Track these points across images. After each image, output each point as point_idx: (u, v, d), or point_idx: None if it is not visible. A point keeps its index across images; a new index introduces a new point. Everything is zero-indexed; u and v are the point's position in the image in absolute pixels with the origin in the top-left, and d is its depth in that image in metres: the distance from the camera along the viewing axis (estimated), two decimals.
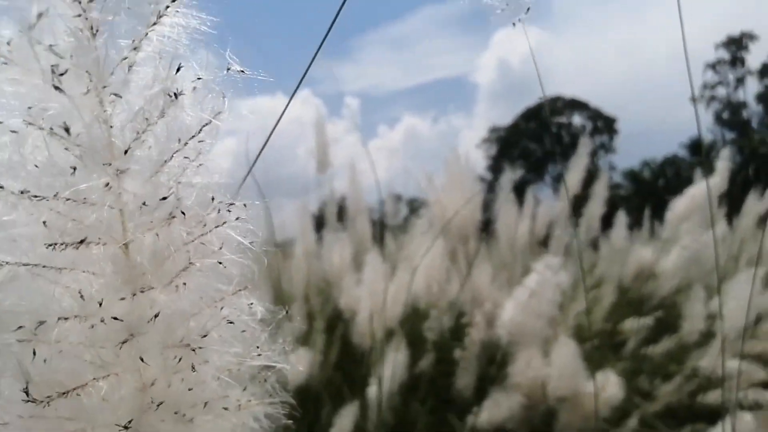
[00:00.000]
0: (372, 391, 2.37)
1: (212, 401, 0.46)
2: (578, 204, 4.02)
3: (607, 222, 4.42)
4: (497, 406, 2.31)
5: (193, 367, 0.44)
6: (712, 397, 2.65)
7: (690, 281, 3.61)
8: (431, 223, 3.44)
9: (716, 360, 2.72)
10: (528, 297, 2.17)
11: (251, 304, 0.47)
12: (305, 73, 0.63)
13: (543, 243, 4.14)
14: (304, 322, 2.91)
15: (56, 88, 0.39)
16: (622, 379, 2.39)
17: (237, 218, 0.45)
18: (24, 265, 0.40)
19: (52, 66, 0.39)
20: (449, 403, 2.62)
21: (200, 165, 0.44)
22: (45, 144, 0.40)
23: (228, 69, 0.44)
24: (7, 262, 0.40)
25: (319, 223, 3.95)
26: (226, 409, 0.47)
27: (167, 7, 0.42)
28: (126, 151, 0.41)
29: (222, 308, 0.45)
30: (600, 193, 3.97)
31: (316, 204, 4.13)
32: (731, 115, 32.96)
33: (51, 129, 0.40)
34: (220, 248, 0.44)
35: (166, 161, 0.42)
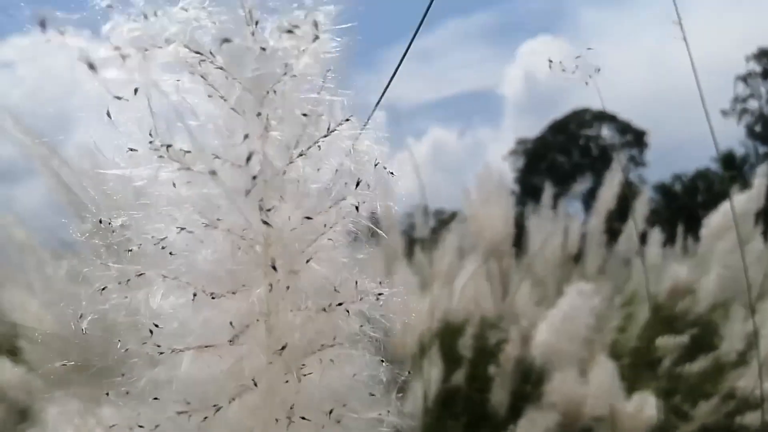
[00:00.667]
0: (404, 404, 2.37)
1: None
2: (611, 219, 3.98)
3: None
4: (533, 425, 2.29)
5: None
6: (751, 418, 2.60)
7: (727, 299, 3.55)
8: (462, 236, 3.44)
9: (755, 380, 2.66)
10: (561, 320, 2.16)
11: (383, 362, 0.50)
12: (384, 92, 0.64)
13: (576, 259, 4.10)
14: None
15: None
16: (658, 399, 2.36)
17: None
18: (190, 348, 0.45)
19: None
20: (484, 420, 2.61)
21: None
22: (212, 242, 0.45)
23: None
24: (173, 349, 0.45)
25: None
26: None
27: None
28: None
29: (354, 375, 0.48)
30: (640, 209, 3.92)
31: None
32: (763, 129, 32.40)
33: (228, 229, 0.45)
34: (361, 326, 0.48)
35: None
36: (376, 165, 0.49)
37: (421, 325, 2.57)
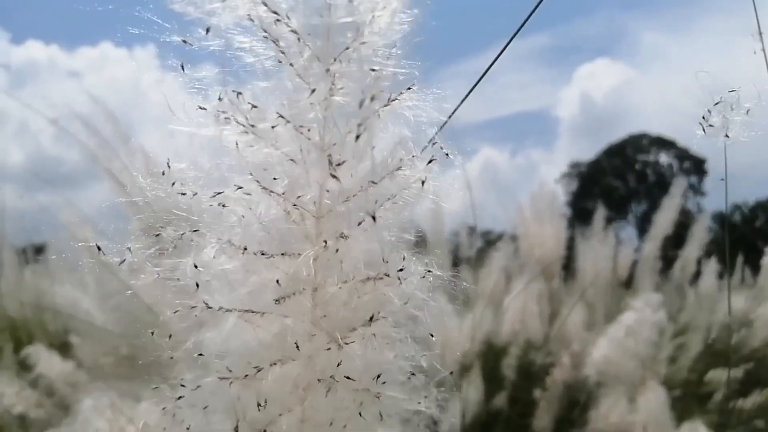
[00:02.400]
0: (444, 423, 2.34)
1: None
2: (667, 246, 3.87)
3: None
4: None
5: (360, 414, 0.47)
6: None
7: None
8: (509, 257, 3.40)
9: None
10: (624, 335, 2.09)
11: (423, 355, 0.50)
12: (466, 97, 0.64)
13: (626, 284, 4.01)
14: None
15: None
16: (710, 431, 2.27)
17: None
18: (237, 310, 0.46)
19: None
20: None
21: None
22: (266, 206, 0.47)
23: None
24: (221, 307, 0.46)
25: None
26: None
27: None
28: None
29: (395, 356, 0.49)
30: (698, 235, 3.81)
31: None
32: None
33: (283, 194, 0.46)
34: (406, 303, 0.48)
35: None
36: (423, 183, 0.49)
37: (462, 343, 2.54)
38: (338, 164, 0.46)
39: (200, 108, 0.46)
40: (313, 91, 0.46)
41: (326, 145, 0.46)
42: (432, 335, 0.50)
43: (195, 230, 0.47)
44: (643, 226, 3.99)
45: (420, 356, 0.50)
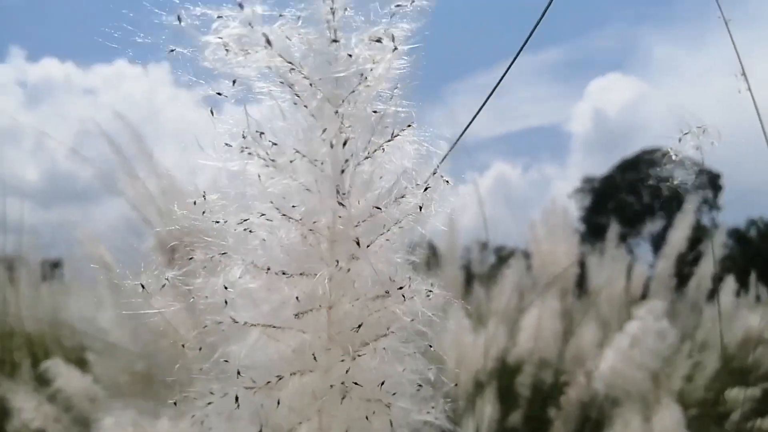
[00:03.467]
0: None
1: None
2: (682, 263, 3.83)
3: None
4: None
5: (367, 417, 0.52)
6: None
7: None
8: (521, 274, 3.39)
9: None
10: (629, 345, 2.06)
11: (431, 369, 0.55)
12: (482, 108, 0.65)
13: (641, 301, 3.97)
14: None
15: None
16: None
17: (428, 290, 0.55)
18: (261, 325, 0.52)
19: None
20: None
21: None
22: (286, 231, 0.53)
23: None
24: (246, 322, 0.52)
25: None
26: None
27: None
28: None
29: (404, 369, 0.53)
30: (714, 251, 3.76)
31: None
32: None
33: (300, 219, 0.52)
34: (412, 320, 0.53)
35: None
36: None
37: (476, 361, 2.53)
38: (344, 193, 0.51)
39: (227, 145, 0.52)
40: (325, 129, 0.52)
41: (336, 177, 0.52)
42: (431, 346, 0.55)
43: (223, 253, 0.52)
44: (659, 243, 3.97)
45: (428, 369, 0.55)
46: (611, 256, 3.84)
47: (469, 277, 4.00)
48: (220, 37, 0.50)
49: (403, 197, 0.53)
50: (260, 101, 0.53)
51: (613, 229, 4.03)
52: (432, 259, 4.03)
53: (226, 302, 0.51)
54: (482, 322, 2.79)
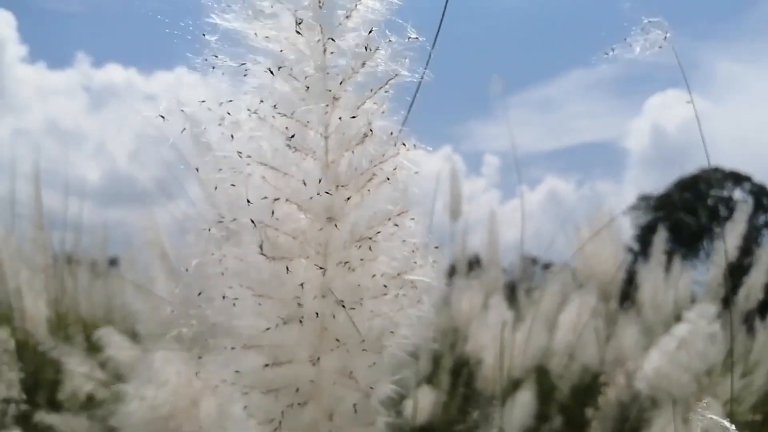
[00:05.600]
0: None
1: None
2: (732, 272, 3.73)
3: (762, 308, 4.04)
4: None
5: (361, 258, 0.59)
6: None
7: None
8: (566, 283, 3.36)
9: None
10: (676, 347, 2.02)
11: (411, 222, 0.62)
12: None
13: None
14: (431, 362, 2.93)
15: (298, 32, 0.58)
16: None
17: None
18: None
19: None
20: None
21: (383, 112, 0.60)
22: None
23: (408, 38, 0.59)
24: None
25: (450, 274, 3.96)
26: None
27: None
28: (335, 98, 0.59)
29: (394, 224, 0.60)
30: (765, 259, 3.64)
31: (449, 257, 4.15)
32: None
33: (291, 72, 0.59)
34: (394, 169, 0.59)
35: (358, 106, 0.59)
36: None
37: (514, 361, 2.53)
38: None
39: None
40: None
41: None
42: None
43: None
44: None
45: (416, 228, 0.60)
46: (658, 262, 3.77)
47: (513, 289, 3.98)
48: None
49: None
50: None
51: (664, 247, 3.95)
52: (474, 265, 4.04)
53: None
54: (521, 320, 2.78)
